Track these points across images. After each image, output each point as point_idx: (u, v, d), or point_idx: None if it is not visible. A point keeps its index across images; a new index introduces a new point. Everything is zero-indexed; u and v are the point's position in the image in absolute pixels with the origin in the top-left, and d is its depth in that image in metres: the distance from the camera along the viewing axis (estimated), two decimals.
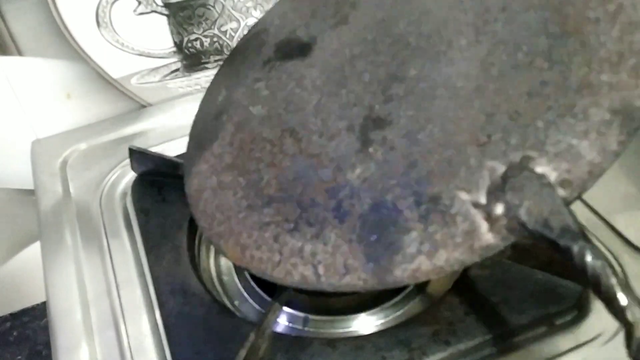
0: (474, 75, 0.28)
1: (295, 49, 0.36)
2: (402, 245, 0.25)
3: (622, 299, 0.22)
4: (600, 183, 0.42)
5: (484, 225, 0.24)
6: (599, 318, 0.34)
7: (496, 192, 0.24)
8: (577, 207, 0.40)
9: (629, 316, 0.21)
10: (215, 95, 0.38)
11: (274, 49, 0.37)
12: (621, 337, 0.32)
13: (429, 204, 0.26)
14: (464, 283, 0.35)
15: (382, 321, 0.37)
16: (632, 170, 0.43)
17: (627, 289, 0.22)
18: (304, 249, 0.28)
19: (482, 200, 0.25)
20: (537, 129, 0.25)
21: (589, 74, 0.25)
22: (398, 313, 0.37)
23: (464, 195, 0.25)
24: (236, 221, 0.31)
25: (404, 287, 0.39)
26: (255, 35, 0.39)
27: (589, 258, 0.22)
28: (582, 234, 0.23)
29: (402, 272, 0.25)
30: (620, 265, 0.36)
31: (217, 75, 0.40)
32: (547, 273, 0.34)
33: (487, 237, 0.24)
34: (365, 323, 0.37)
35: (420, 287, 0.39)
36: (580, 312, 0.34)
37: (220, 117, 0.36)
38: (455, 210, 0.25)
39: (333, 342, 0.32)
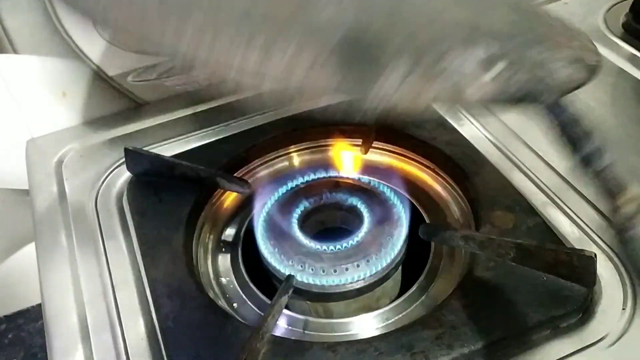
0: None
1: None
2: (383, 65, 0.24)
3: None
4: None
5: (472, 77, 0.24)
6: (604, 321, 0.33)
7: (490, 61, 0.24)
8: (582, 207, 0.40)
9: None
10: None
11: None
12: (626, 340, 0.32)
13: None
14: (467, 286, 0.35)
15: (384, 324, 0.36)
16: (636, 170, 0.43)
17: None
18: None
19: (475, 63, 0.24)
20: None
21: None
22: (400, 316, 0.37)
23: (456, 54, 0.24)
24: None
25: (407, 289, 0.38)
26: None
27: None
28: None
29: (376, 90, 0.24)
30: (625, 267, 0.36)
31: None
32: (552, 275, 0.34)
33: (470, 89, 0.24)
34: (367, 326, 0.36)
35: (423, 289, 0.38)
36: (585, 314, 0.34)
37: None
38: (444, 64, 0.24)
39: (333, 346, 0.32)
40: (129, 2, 0.27)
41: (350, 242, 0.38)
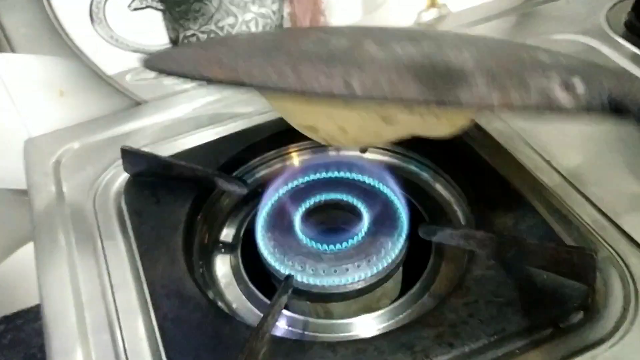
0: None
1: None
2: (467, 79, 0.24)
3: None
4: (606, 183, 0.41)
5: (557, 88, 0.24)
6: (606, 321, 0.33)
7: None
8: (584, 208, 0.40)
9: None
10: None
11: None
12: (628, 340, 0.32)
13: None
14: (468, 284, 0.34)
15: (385, 324, 0.36)
16: (636, 169, 0.42)
17: None
18: None
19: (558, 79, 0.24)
20: None
21: None
22: (401, 316, 0.37)
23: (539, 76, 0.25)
24: None
25: (408, 289, 0.38)
26: None
27: None
28: None
29: (467, 94, 0.24)
30: (627, 267, 0.36)
31: None
32: (553, 274, 0.34)
33: (561, 95, 0.24)
34: (367, 326, 0.36)
35: (424, 289, 0.38)
36: (587, 313, 0.34)
37: None
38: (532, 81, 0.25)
39: (333, 346, 0.32)
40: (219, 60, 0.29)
41: (351, 242, 0.38)
